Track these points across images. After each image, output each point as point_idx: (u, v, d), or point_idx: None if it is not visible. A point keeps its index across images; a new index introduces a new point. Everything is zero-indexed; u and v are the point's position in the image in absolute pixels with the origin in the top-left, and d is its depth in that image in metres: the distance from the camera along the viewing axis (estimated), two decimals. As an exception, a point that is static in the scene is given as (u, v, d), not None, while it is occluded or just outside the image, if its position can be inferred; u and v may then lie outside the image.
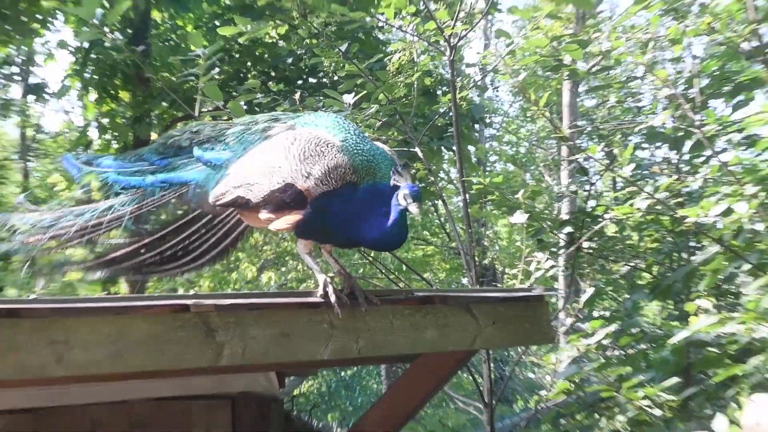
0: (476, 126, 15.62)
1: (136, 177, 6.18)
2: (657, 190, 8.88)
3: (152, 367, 5.23)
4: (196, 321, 5.26)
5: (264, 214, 5.69)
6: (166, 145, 6.38)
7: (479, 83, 19.85)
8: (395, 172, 5.42)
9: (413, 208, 5.31)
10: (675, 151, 10.53)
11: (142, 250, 6.05)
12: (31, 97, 30.62)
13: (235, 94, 11.29)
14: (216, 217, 6.03)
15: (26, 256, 6.21)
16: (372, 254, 13.45)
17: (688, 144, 10.11)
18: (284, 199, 5.54)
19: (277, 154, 5.66)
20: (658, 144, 10.95)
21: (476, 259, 10.34)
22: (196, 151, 6.17)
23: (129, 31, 15.67)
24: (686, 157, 10.35)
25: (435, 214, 17.26)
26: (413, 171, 10.59)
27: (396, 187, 5.45)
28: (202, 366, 5.36)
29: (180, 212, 6.07)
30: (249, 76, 13.53)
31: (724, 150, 8.66)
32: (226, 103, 9.82)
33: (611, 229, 10.15)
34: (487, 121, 20.06)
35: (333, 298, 5.56)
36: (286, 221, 5.60)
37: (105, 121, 17.24)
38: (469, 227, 10.37)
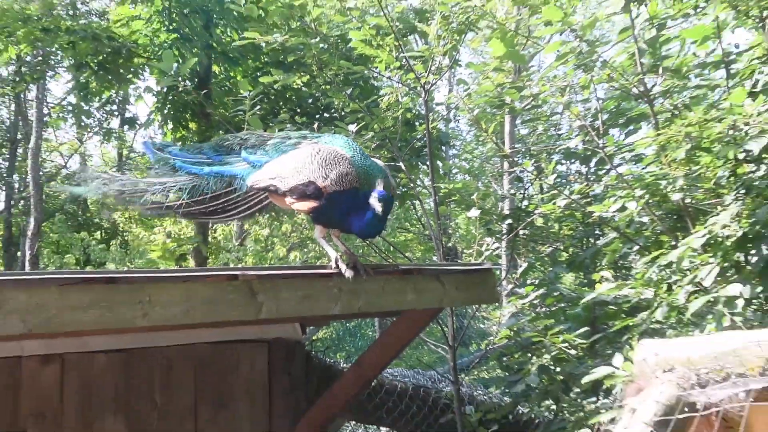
0: (443, 147, 15.67)
1: (197, 166, 6.33)
2: (572, 193, 8.88)
3: (211, 320, 5.29)
4: (243, 286, 5.31)
5: (289, 199, 5.85)
6: (221, 145, 6.52)
7: (445, 117, 19.90)
8: (377, 184, 5.56)
9: (378, 207, 5.52)
10: (584, 166, 10.55)
11: (192, 205, 6.25)
12: (125, 127, 30.64)
13: (271, 124, 11.29)
14: (248, 192, 6.17)
15: (97, 199, 6.60)
16: (369, 239, 13.46)
17: (594, 160, 10.12)
18: (306, 191, 5.71)
19: (305, 159, 5.82)
20: (573, 160, 10.96)
21: (443, 242, 10.33)
22: (243, 153, 6.32)
23: (196, 80, 15.63)
24: (593, 169, 10.36)
25: (414, 210, 17.23)
26: (398, 180, 10.57)
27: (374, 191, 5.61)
28: (246, 318, 5.44)
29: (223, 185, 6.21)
30: (281, 111, 13.52)
31: (620, 164, 8.66)
32: (265, 131, 9.85)
33: (539, 221, 10.17)
34: (451, 144, 20.10)
35: (342, 269, 5.66)
36: (304, 205, 5.77)
37: (178, 144, 17.28)
38: (438, 219, 10.36)
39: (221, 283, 5.30)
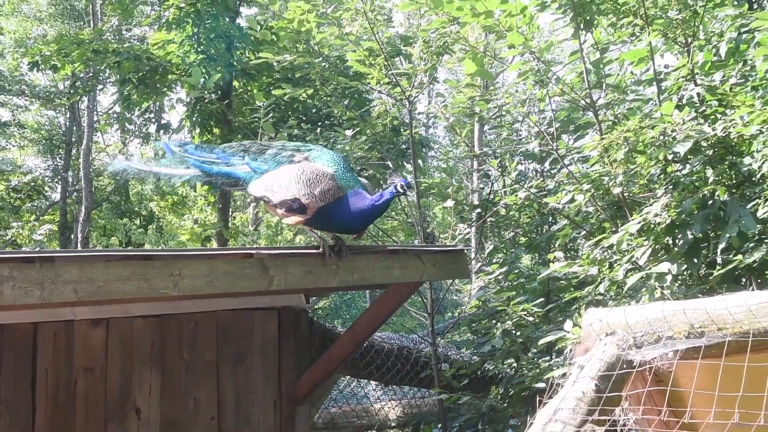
0: (424, 149, 15.64)
1: (207, 165, 6.29)
2: (530, 187, 8.88)
3: (230, 290, 5.37)
4: (257, 263, 5.36)
5: (279, 211, 5.83)
6: (228, 148, 6.46)
7: (426, 124, 19.96)
8: (390, 175, 5.78)
9: (410, 193, 6.04)
10: (540, 165, 10.56)
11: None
12: (161, 132, 30.56)
13: (281, 129, 11.28)
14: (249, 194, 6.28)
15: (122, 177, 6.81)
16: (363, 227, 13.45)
17: (548, 160, 10.13)
18: (292, 206, 5.70)
19: (293, 177, 5.76)
20: (531, 160, 10.97)
21: (423, 228, 10.33)
22: (246, 158, 6.24)
23: (219, 92, 15.55)
24: (547, 168, 10.36)
25: (399, 201, 17.23)
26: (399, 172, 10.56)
27: (392, 183, 5.73)
28: (260, 289, 5.53)
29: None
30: (290, 119, 13.47)
31: (570, 164, 8.64)
32: (276, 135, 9.85)
33: (503, 211, 10.17)
34: (430, 146, 20.10)
35: (326, 254, 5.74)
36: (292, 220, 5.79)
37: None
38: (419, 209, 10.34)
39: (239, 260, 5.34)
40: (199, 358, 6.66)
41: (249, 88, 17.13)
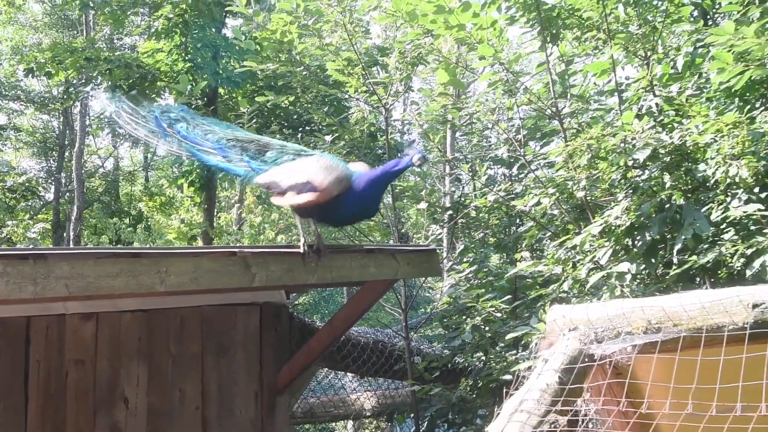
0: (399, 154, 15.67)
1: (204, 155, 6.19)
2: (499, 190, 8.90)
3: (214, 286, 5.38)
4: (240, 261, 5.35)
5: (289, 193, 5.65)
6: (223, 139, 6.24)
7: (401, 130, 19.97)
8: (408, 146, 5.86)
9: (425, 167, 5.72)
10: (509, 170, 10.58)
11: None
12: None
13: (264, 134, 11.26)
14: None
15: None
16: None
17: (516, 165, 10.16)
18: (303, 189, 5.53)
19: (307, 166, 5.71)
20: (500, 165, 10.99)
21: (398, 228, 10.32)
22: (245, 157, 6.11)
23: (205, 98, 15.52)
24: (515, 172, 10.39)
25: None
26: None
27: (407, 155, 5.67)
28: (242, 286, 5.55)
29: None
30: (272, 125, 13.48)
31: (537, 169, 8.67)
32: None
33: (473, 213, 10.20)
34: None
35: (306, 253, 5.72)
36: (303, 198, 5.55)
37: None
38: (394, 211, 10.35)
39: (223, 258, 5.32)
40: (184, 352, 6.63)
41: (234, 95, 17.08)
